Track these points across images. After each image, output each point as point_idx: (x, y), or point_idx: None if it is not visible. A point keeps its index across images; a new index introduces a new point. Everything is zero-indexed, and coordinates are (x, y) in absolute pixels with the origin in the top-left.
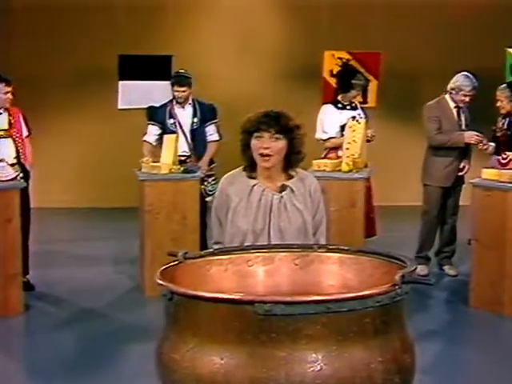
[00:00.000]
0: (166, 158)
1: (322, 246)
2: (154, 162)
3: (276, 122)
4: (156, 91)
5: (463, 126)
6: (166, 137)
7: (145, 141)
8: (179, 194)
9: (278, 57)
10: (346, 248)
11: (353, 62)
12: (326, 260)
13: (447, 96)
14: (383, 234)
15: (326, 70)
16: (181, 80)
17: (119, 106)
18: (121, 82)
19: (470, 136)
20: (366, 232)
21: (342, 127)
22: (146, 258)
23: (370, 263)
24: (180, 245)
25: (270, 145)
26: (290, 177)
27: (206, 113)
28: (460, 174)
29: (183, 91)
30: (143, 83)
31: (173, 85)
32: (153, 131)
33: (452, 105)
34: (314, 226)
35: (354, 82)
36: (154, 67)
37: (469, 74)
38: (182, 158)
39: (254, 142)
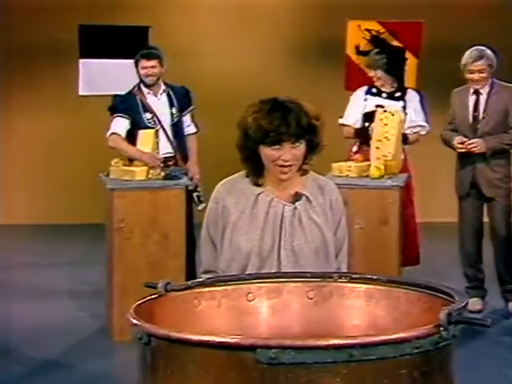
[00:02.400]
0: None
1: (344, 274)
2: (126, 164)
3: (297, 126)
4: (129, 73)
5: (480, 118)
6: (141, 132)
7: (114, 133)
8: (159, 208)
9: (285, 28)
10: (374, 277)
11: (385, 35)
12: (349, 292)
13: None
14: (424, 260)
15: (351, 45)
16: (148, 53)
17: (80, 92)
18: (82, 61)
19: (457, 141)
20: (407, 259)
21: (367, 116)
22: (114, 290)
23: (405, 297)
24: (160, 273)
25: (291, 155)
26: (304, 174)
27: (181, 99)
28: (459, 148)
29: (152, 67)
30: (112, 62)
31: (137, 62)
32: (123, 124)
33: (471, 91)
34: (335, 247)
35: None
36: (125, 42)
37: (478, 47)
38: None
39: (268, 152)
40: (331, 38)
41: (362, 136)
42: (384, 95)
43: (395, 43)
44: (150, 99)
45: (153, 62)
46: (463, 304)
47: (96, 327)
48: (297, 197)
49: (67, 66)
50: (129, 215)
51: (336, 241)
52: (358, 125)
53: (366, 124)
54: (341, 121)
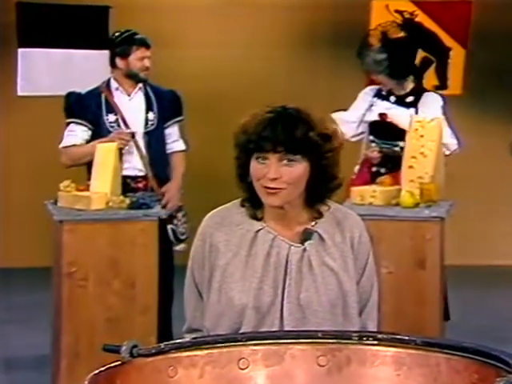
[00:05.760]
0: (101, 182)
1: (366, 333)
2: (79, 189)
3: (287, 136)
4: (83, 66)
5: None
6: (100, 147)
7: (66, 147)
8: (123, 246)
9: (291, 10)
10: (406, 338)
11: (421, 18)
12: (373, 358)
13: None
14: (469, 315)
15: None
16: (146, 40)
17: (19, 92)
18: (21, 51)
19: None
20: None
21: (372, 126)
22: (62, 356)
23: (448, 364)
24: (123, 332)
25: (279, 173)
26: (318, 216)
27: (165, 105)
28: None
29: (149, 57)
30: (60, 53)
31: (125, 51)
32: (78, 133)
33: None
34: (360, 299)
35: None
36: (78, 26)
37: None
38: (133, 183)
39: (254, 167)
40: (349, 23)
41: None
42: (392, 99)
43: (434, 29)
44: (119, 98)
45: (150, 52)
46: None
47: None
48: (306, 235)
49: (1, 57)
50: (82, 256)
51: (361, 292)
52: (353, 135)
53: (371, 138)
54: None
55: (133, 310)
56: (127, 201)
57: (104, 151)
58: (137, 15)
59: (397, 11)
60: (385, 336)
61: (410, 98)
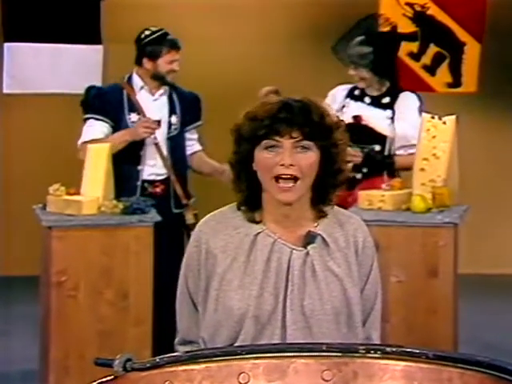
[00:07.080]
0: (93, 186)
1: (374, 346)
2: (70, 193)
3: (304, 119)
4: (74, 62)
5: None
6: (91, 148)
7: (85, 142)
8: (116, 253)
9: (294, 6)
10: (416, 351)
11: (433, 11)
12: (381, 373)
13: None
14: (482, 327)
15: (385, 26)
16: (177, 42)
17: (5, 90)
18: (7, 45)
19: None
20: None
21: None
22: (50, 370)
23: (460, 380)
24: (116, 345)
25: (294, 160)
26: (321, 217)
27: (187, 108)
28: None
29: (178, 61)
30: (49, 48)
31: (153, 54)
32: (98, 128)
33: None
34: (363, 308)
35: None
36: (69, 19)
37: None
38: (150, 188)
39: (263, 157)
40: (357, 16)
41: None
42: (367, 100)
43: (448, 22)
44: (142, 96)
45: (179, 55)
46: None
47: None
48: (309, 238)
49: None
50: (73, 264)
51: (364, 300)
52: None
53: None
54: None
55: (126, 322)
56: (120, 205)
57: (96, 153)
58: (131, 10)
59: (407, 4)
60: (394, 349)
61: (386, 99)
